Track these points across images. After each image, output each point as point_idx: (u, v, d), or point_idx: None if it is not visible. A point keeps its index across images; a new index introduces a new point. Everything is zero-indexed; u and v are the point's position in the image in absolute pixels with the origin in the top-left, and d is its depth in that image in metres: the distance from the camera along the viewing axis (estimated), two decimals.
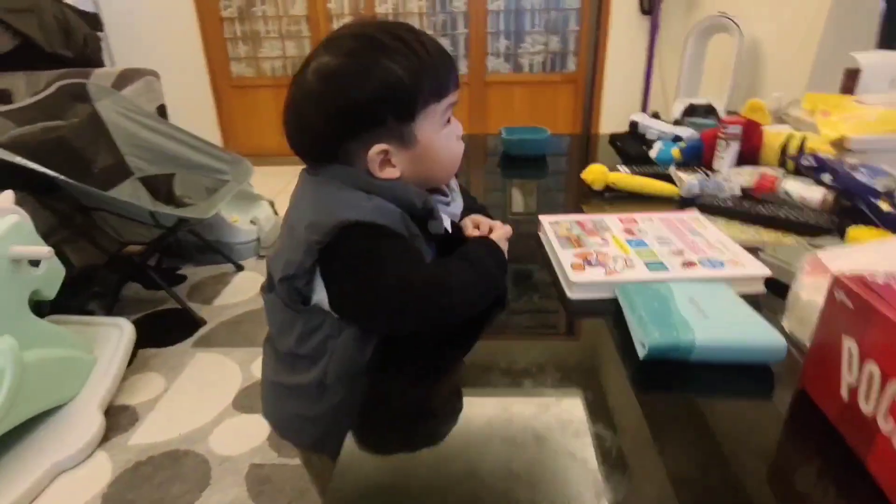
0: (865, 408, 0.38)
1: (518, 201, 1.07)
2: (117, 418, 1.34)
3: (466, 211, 0.70)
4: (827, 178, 0.87)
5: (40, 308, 1.34)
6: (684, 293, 0.57)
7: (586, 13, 3.05)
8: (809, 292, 0.53)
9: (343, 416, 0.48)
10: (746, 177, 0.96)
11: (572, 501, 0.38)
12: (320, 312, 0.60)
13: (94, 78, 1.97)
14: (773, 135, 1.02)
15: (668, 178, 1.02)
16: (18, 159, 1.39)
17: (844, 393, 0.41)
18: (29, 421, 1.20)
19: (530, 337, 0.60)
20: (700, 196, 0.93)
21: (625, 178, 1.00)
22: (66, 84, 1.75)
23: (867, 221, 0.77)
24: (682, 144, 1.15)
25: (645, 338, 0.51)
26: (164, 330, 1.73)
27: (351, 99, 0.55)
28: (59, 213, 1.67)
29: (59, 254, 1.48)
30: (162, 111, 2.14)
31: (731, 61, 1.94)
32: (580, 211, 0.94)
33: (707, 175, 1.00)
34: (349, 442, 0.45)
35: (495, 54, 3.21)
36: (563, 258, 0.68)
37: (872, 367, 0.38)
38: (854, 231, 0.73)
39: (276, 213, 2.33)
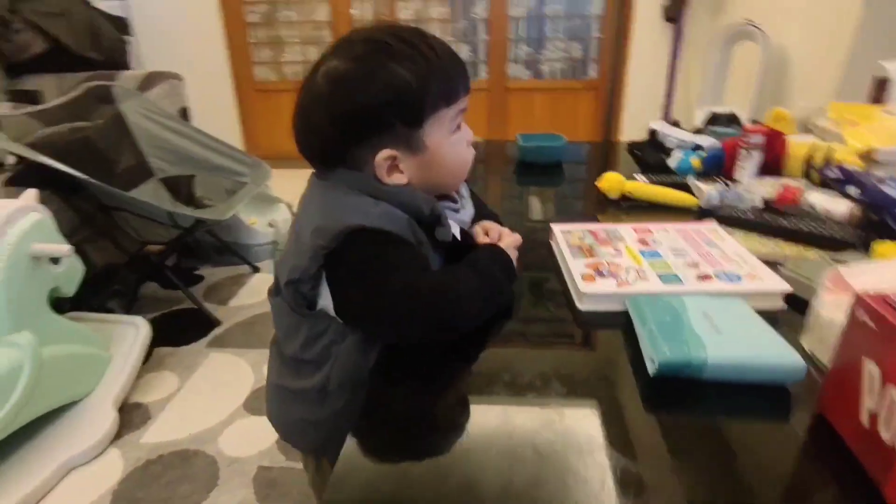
0: (886, 435, 0.36)
1: (532, 209, 1.05)
2: (130, 416, 1.36)
3: (477, 218, 0.69)
4: (853, 190, 0.84)
5: (61, 305, 1.37)
6: (698, 307, 0.55)
7: (609, 20, 3.03)
8: (830, 310, 0.50)
9: (345, 421, 0.47)
10: (768, 188, 0.93)
11: None
12: (325, 317, 0.59)
13: (121, 80, 2.01)
14: (798, 145, 0.99)
15: (687, 188, 1.00)
16: (44, 159, 1.42)
17: (864, 418, 0.38)
18: (45, 416, 1.22)
19: (537, 348, 0.59)
20: (719, 207, 0.90)
21: (641, 187, 0.98)
22: (92, 86, 1.79)
23: (894, 237, 0.73)
24: (702, 154, 1.12)
25: (655, 354, 0.49)
26: (180, 329, 1.75)
27: (358, 103, 0.54)
28: (82, 212, 1.70)
29: (82, 252, 1.51)
30: (184, 113, 2.18)
31: (757, 69, 1.90)
32: (595, 220, 0.92)
33: (727, 185, 0.97)
34: (346, 449, 0.44)
35: (516, 61, 3.20)
36: (574, 268, 0.66)
37: (894, 393, 0.36)
38: (880, 246, 0.70)
39: (293, 215, 2.35)
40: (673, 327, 0.52)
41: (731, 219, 0.85)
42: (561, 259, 0.72)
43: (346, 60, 0.55)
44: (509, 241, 0.65)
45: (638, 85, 3.04)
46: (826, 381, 0.45)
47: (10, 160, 1.58)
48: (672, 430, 0.45)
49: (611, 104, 3.14)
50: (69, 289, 1.30)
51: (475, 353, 0.57)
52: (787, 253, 0.75)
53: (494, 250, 0.61)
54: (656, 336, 0.51)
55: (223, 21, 3.20)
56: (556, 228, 0.78)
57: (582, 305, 0.62)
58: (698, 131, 1.37)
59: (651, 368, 0.50)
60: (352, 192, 0.57)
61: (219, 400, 1.42)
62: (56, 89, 2.09)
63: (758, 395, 0.47)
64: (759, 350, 0.49)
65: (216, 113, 3.31)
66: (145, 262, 1.96)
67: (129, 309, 1.81)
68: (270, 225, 2.27)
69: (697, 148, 1.20)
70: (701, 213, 0.92)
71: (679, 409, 0.47)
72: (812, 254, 0.74)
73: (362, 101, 0.54)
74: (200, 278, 2.11)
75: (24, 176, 1.54)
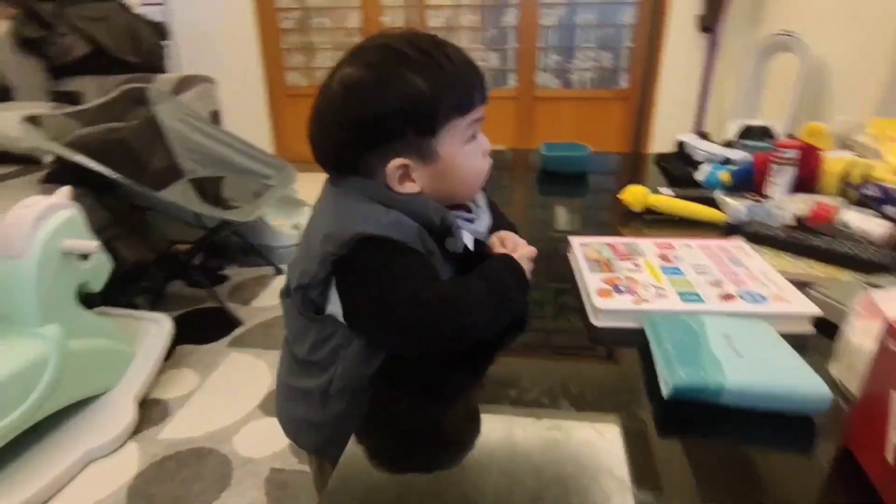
0: None
1: (552, 220, 1.03)
2: (150, 411, 1.38)
3: (495, 228, 0.68)
4: (891, 210, 0.80)
5: (91, 300, 1.40)
6: (718, 329, 0.53)
7: (641, 29, 2.98)
8: (861, 337, 0.47)
9: (346, 425, 0.47)
10: (801, 205, 0.89)
11: None
12: (333, 323, 0.59)
13: (156, 83, 2.07)
14: (833, 161, 0.95)
15: (714, 203, 0.97)
16: (79, 158, 1.47)
17: (890, 455, 0.36)
18: (68, 407, 1.25)
19: (547, 363, 0.57)
20: (747, 223, 0.87)
21: (666, 200, 0.95)
22: (128, 88, 1.85)
23: None
24: (731, 168, 1.08)
25: (669, 376, 0.47)
26: (203, 328, 1.78)
27: (370, 111, 0.54)
28: (114, 210, 1.75)
29: (112, 249, 1.55)
30: (216, 116, 2.23)
31: (794, 82, 1.84)
32: (617, 233, 0.90)
33: (757, 201, 0.94)
34: (347, 454, 0.43)
35: (545, 69, 3.18)
36: (590, 282, 0.64)
37: None
38: None
39: None
40: (690, 349, 0.50)
41: (759, 236, 0.82)
42: (577, 272, 0.70)
43: (360, 67, 0.55)
44: (523, 252, 0.63)
45: (669, 96, 2.99)
46: (852, 413, 0.42)
47: (48, 158, 1.64)
48: (685, 457, 0.43)
49: (641, 115, 3.09)
50: (97, 284, 1.33)
51: (483, 365, 0.56)
52: (818, 274, 0.72)
53: (507, 261, 0.60)
54: (672, 357, 0.49)
55: (258, 27, 3.28)
56: (575, 241, 0.76)
57: (596, 321, 0.60)
58: (729, 144, 1.33)
59: (665, 391, 0.47)
60: (363, 200, 0.57)
61: (236, 399, 1.43)
62: (96, 91, 2.17)
63: (779, 424, 0.45)
64: (782, 376, 0.46)
65: (249, 116, 3.38)
66: (173, 261, 2.00)
67: (156, 306, 1.85)
68: (295, 227, 2.30)
69: (727, 162, 1.16)
70: (728, 230, 0.89)
71: (693, 436, 0.45)
72: (845, 276, 0.70)
73: (375, 108, 0.54)
74: (225, 278, 2.14)
75: (61, 174, 1.60)
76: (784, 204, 0.91)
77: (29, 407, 1.11)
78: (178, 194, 1.87)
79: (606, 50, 3.09)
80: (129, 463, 1.23)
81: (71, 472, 1.17)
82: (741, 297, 0.61)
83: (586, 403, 0.49)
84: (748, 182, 1.03)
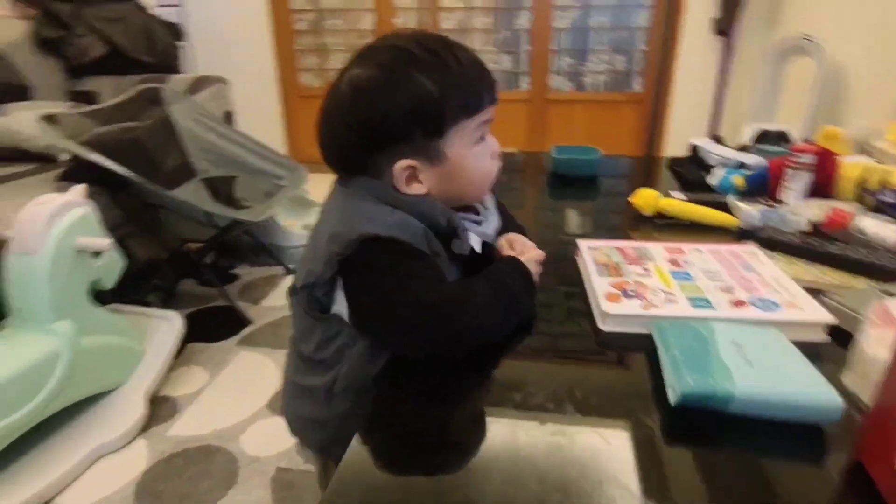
0: None
1: (561, 223, 1.03)
2: (159, 408, 1.39)
3: (504, 231, 0.68)
4: None
5: (104, 297, 1.42)
6: (728, 335, 0.52)
7: (655, 32, 2.96)
8: (875, 346, 0.46)
9: (350, 424, 0.46)
10: (816, 210, 0.87)
11: None
12: (339, 322, 0.59)
13: (171, 83, 2.09)
14: (850, 166, 0.93)
15: (727, 208, 0.95)
16: (94, 156, 1.49)
17: None
18: (78, 403, 1.26)
19: (553, 366, 0.56)
20: (761, 229, 0.86)
21: (677, 204, 0.94)
22: (143, 88, 1.87)
23: None
24: (745, 172, 1.07)
25: (677, 382, 0.46)
26: (213, 326, 1.79)
27: (377, 112, 0.54)
28: (128, 208, 1.77)
29: (125, 247, 1.56)
30: (228, 117, 2.25)
31: (811, 86, 1.81)
32: (627, 237, 0.89)
33: (771, 206, 0.92)
34: (349, 454, 0.43)
35: (558, 72, 3.17)
36: (598, 286, 0.64)
37: None
38: None
39: None
40: (699, 355, 0.49)
41: (772, 241, 0.80)
42: (585, 276, 0.69)
43: (368, 68, 0.55)
44: (531, 255, 0.63)
45: (684, 99, 2.96)
46: (864, 424, 0.41)
47: (65, 157, 1.66)
48: (692, 465, 0.42)
49: (654, 118, 3.07)
50: (109, 281, 1.35)
51: (488, 368, 0.55)
52: (832, 281, 0.70)
53: (514, 263, 0.60)
54: (680, 364, 0.48)
55: (272, 28, 3.30)
56: (583, 244, 0.75)
57: (604, 326, 0.59)
58: (744, 148, 1.32)
59: (672, 398, 0.47)
60: (370, 200, 0.57)
61: (244, 398, 1.44)
62: (112, 90, 2.19)
63: (788, 434, 0.44)
64: (792, 385, 0.45)
65: (262, 117, 3.41)
66: (185, 259, 2.02)
67: (167, 304, 1.87)
68: (306, 228, 2.31)
69: (741, 166, 1.14)
70: (740, 235, 0.87)
71: (701, 444, 0.44)
72: (860, 283, 0.69)
73: (381, 109, 0.54)
74: (236, 277, 2.16)
75: (76, 172, 1.62)
76: (799, 209, 0.89)
77: (40, 402, 1.13)
78: (191, 193, 1.89)
79: (620, 53, 3.07)
80: (137, 459, 1.24)
81: (80, 467, 1.19)
82: (753, 303, 0.60)
83: (592, 409, 0.48)
84: (763, 187, 1.02)
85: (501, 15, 3.13)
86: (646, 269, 0.68)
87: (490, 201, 0.68)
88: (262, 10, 3.25)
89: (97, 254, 1.28)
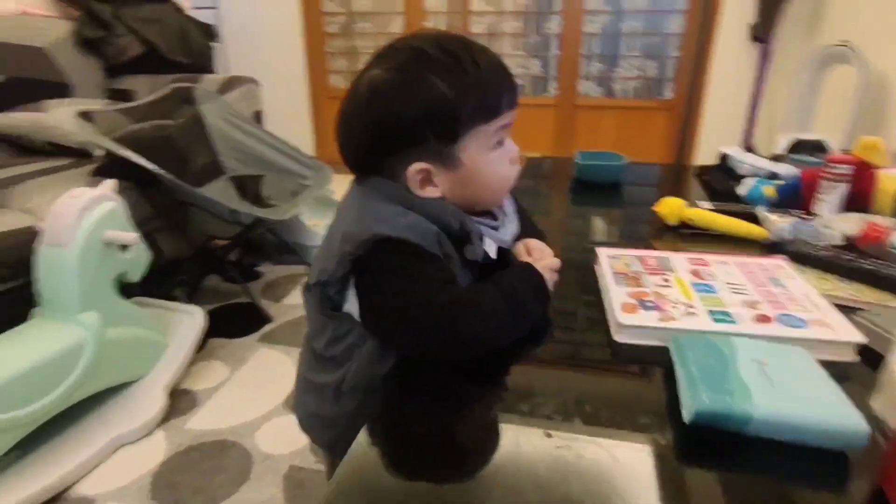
0: None
1: (583, 229, 1.01)
2: (179, 401, 1.41)
3: (522, 235, 0.66)
4: None
5: (131, 290, 1.45)
6: (749, 352, 0.49)
7: (689, 38, 2.90)
8: None
9: (357, 424, 0.46)
10: (851, 224, 0.83)
11: None
12: (350, 321, 0.59)
13: (203, 83, 2.13)
14: (889, 179, 0.89)
15: (756, 219, 0.92)
16: (126, 153, 1.53)
17: None
18: (101, 393, 1.29)
19: (563, 378, 0.55)
20: (791, 242, 0.82)
21: (703, 214, 0.91)
22: (176, 87, 1.91)
23: None
24: (777, 182, 1.03)
25: (692, 400, 0.44)
26: (235, 322, 1.82)
27: (391, 115, 0.53)
28: (157, 204, 1.81)
29: (152, 242, 1.60)
30: (258, 116, 2.28)
31: (851, 96, 1.74)
32: (650, 246, 0.86)
33: (803, 219, 0.89)
34: (352, 454, 0.43)
35: (587, 78, 3.13)
36: (615, 296, 0.62)
37: None
38: None
39: None
40: (717, 372, 0.47)
41: (803, 256, 0.77)
42: (603, 285, 0.68)
43: (386, 69, 0.55)
44: (547, 262, 0.61)
45: (717, 107, 2.89)
46: (887, 452, 0.38)
47: (99, 152, 1.71)
48: (705, 487, 0.40)
49: (686, 126, 3.00)
50: (135, 275, 1.38)
51: (496, 375, 0.54)
52: (866, 299, 0.67)
53: (527, 270, 0.58)
54: (696, 380, 0.46)
55: (304, 31, 3.35)
56: (602, 252, 0.73)
57: (618, 337, 0.58)
58: (777, 158, 1.27)
59: (686, 415, 0.45)
60: (384, 201, 0.57)
61: (261, 395, 1.45)
62: (148, 89, 2.25)
63: (810, 459, 0.41)
64: (816, 408, 0.43)
65: (292, 118, 3.46)
66: (210, 256, 2.05)
67: (192, 299, 1.90)
68: None
69: (773, 176, 1.11)
70: (769, 248, 0.84)
71: (715, 465, 0.42)
72: (895, 302, 0.65)
73: (396, 112, 0.53)
74: (260, 274, 2.19)
75: (110, 167, 1.66)
76: (833, 223, 0.85)
77: (65, 390, 1.15)
78: (219, 191, 1.92)
79: (651, 59, 3.02)
80: (156, 450, 1.26)
81: (100, 455, 1.21)
82: (778, 320, 0.57)
83: (601, 423, 0.46)
84: (795, 198, 0.98)
85: (531, 19, 3.11)
86: (666, 280, 0.66)
87: (509, 206, 0.67)
88: (294, 12, 3.30)
89: (125, 247, 1.31)
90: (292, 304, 1.96)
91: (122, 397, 1.34)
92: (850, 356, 0.54)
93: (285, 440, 1.28)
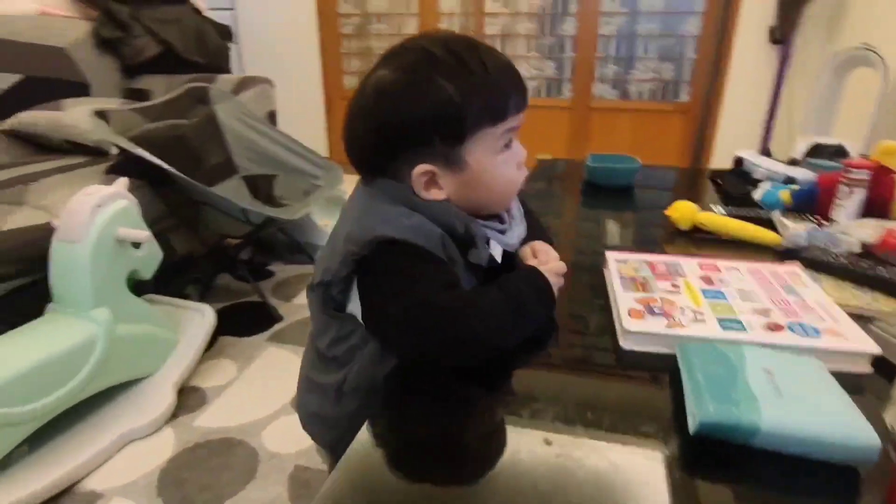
0: None
1: (593, 233, 0.99)
2: (188, 398, 1.42)
3: (529, 238, 0.65)
4: None
5: (143, 287, 1.47)
6: (759, 361, 0.48)
7: (706, 41, 2.86)
8: None
9: (358, 424, 0.46)
10: (869, 231, 0.81)
11: None
12: (353, 321, 0.59)
13: (218, 83, 2.15)
14: None
15: (771, 225, 0.90)
16: (140, 151, 1.54)
17: None
18: (111, 389, 1.30)
19: (566, 384, 0.54)
20: (806, 248, 0.80)
21: (716, 219, 0.89)
22: (191, 87, 1.93)
23: None
24: (793, 187, 1.01)
25: (697, 410, 0.43)
26: (245, 321, 1.83)
27: (396, 116, 0.53)
28: (170, 203, 1.83)
29: (165, 240, 1.62)
30: (272, 117, 2.30)
31: (873, 99, 1.71)
32: (661, 251, 0.85)
33: (819, 225, 0.87)
34: (350, 454, 0.43)
35: (602, 80, 3.10)
36: (622, 301, 0.60)
37: None
38: None
39: None
40: (725, 381, 0.45)
41: (818, 263, 0.75)
42: (610, 290, 0.66)
43: (391, 70, 0.54)
44: (552, 266, 0.60)
45: (734, 110, 2.84)
46: None
47: (115, 150, 1.74)
48: (708, 500, 0.39)
49: (702, 129, 2.96)
50: (147, 272, 1.39)
51: (498, 380, 0.53)
52: (884, 308, 0.65)
53: (532, 274, 0.57)
54: (702, 389, 0.44)
55: (319, 32, 3.37)
56: (611, 256, 0.72)
57: (624, 343, 0.56)
58: (793, 162, 1.25)
59: (692, 425, 0.43)
60: (388, 202, 0.56)
61: (269, 394, 1.46)
62: (164, 89, 2.28)
63: (818, 473, 0.40)
64: (826, 421, 0.41)
65: (306, 118, 3.48)
66: (222, 254, 2.07)
67: (204, 297, 1.92)
68: None
69: (790, 181, 1.08)
70: (784, 254, 0.82)
71: (720, 477, 0.41)
72: None
73: (400, 113, 0.53)
74: (271, 274, 2.20)
75: (124, 166, 1.69)
76: (850, 229, 0.83)
77: (75, 385, 1.17)
78: (231, 190, 1.94)
79: (668, 61, 2.98)
80: (164, 447, 1.27)
81: (110, 450, 1.22)
82: (791, 328, 0.56)
83: (603, 431, 0.45)
84: (811, 203, 0.96)
85: (546, 20, 3.09)
86: (675, 286, 0.65)
87: (517, 209, 0.66)
88: (310, 14, 3.32)
89: (137, 245, 1.33)
90: (302, 304, 1.96)
91: (131, 393, 1.35)
92: (865, 367, 0.53)
93: (292, 439, 1.29)
